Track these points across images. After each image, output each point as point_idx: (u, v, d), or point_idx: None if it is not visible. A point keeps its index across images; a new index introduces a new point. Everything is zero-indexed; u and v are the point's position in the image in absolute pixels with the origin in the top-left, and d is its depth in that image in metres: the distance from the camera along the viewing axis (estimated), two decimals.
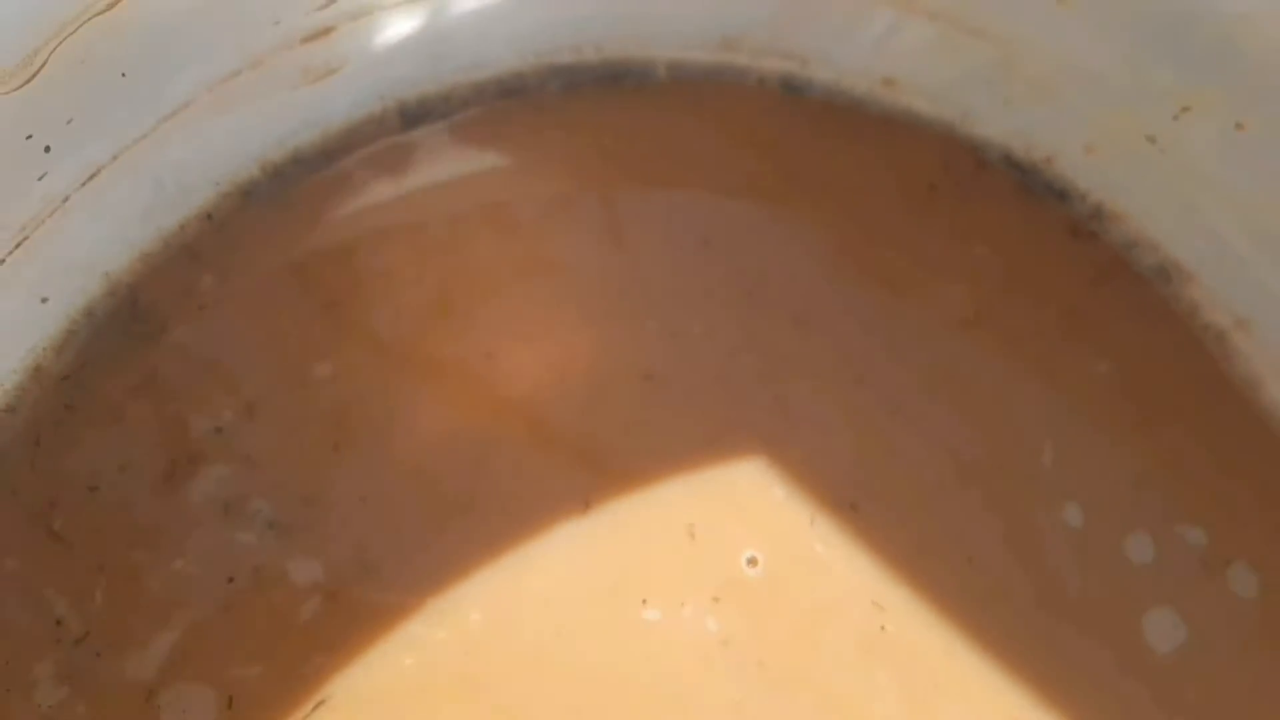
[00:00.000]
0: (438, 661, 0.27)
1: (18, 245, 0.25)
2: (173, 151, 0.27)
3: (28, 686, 0.26)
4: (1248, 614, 0.29)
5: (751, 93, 0.33)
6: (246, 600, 0.27)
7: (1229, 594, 0.29)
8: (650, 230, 0.31)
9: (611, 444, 0.30)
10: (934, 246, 0.32)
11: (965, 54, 0.32)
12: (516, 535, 0.28)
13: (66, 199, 0.25)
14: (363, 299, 0.30)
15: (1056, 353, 0.31)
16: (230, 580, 0.27)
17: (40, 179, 0.24)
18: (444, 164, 0.31)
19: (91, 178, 0.25)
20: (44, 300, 0.27)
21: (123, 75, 0.23)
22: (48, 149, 0.23)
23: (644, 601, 0.28)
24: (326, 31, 0.28)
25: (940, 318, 0.31)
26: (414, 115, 0.31)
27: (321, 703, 0.27)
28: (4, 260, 0.25)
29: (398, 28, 0.30)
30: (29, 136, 0.23)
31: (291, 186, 0.30)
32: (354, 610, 0.27)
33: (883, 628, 0.28)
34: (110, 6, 0.23)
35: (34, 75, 0.21)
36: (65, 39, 0.21)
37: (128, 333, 0.29)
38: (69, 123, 0.23)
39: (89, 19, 0.22)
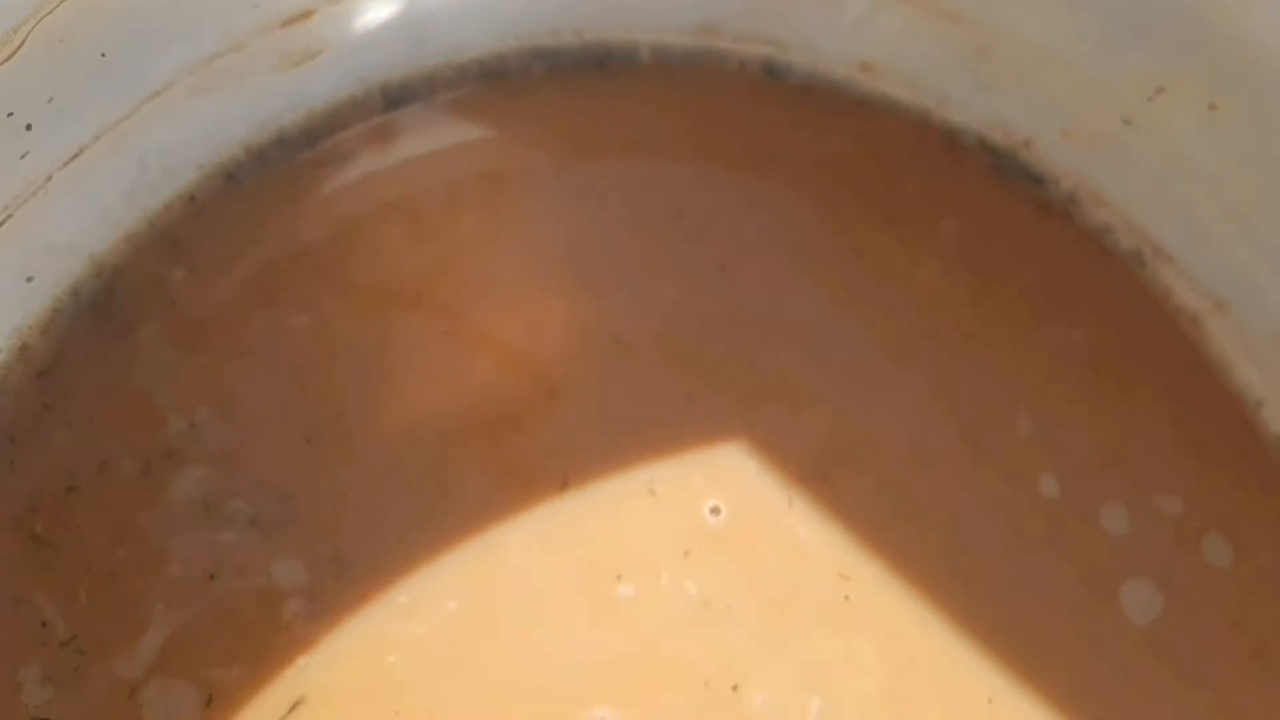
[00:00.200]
0: (418, 656, 0.27)
1: (1, 224, 0.25)
2: (155, 133, 0.27)
3: (14, 687, 0.26)
4: (1223, 583, 0.29)
5: (732, 76, 0.33)
6: (229, 599, 0.27)
7: (1204, 564, 0.29)
8: (627, 207, 0.32)
9: (583, 414, 0.30)
10: (909, 226, 0.32)
11: (941, 39, 0.32)
12: (492, 519, 0.28)
13: (49, 178, 0.25)
14: (340, 283, 0.30)
15: (1032, 329, 0.31)
16: (212, 578, 0.28)
17: (22, 157, 0.24)
18: (426, 146, 0.32)
19: (74, 158, 0.26)
20: (29, 280, 0.27)
21: (102, 55, 0.24)
22: (29, 127, 0.24)
23: (619, 577, 0.29)
24: (306, 15, 0.28)
25: (914, 293, 0.32)
26: (396, 98, 0.31)
27: (300, 702, 0.27)
28: None
29: (377, 11, 0.30)
30: (10, 114, 0.23)
31: (275, 169, 0.31)
32: (334, 608, 0.28)
33: (847, 597, 0.29)
34: None
35: (14, 53, 0.21)
36: (44, 17, 0.22)
37: (102, 330, 0.29)
38: (50, 101, 0.24)
39: None
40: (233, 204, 0.30)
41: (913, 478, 0.30)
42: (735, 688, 0.28)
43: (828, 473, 0.30)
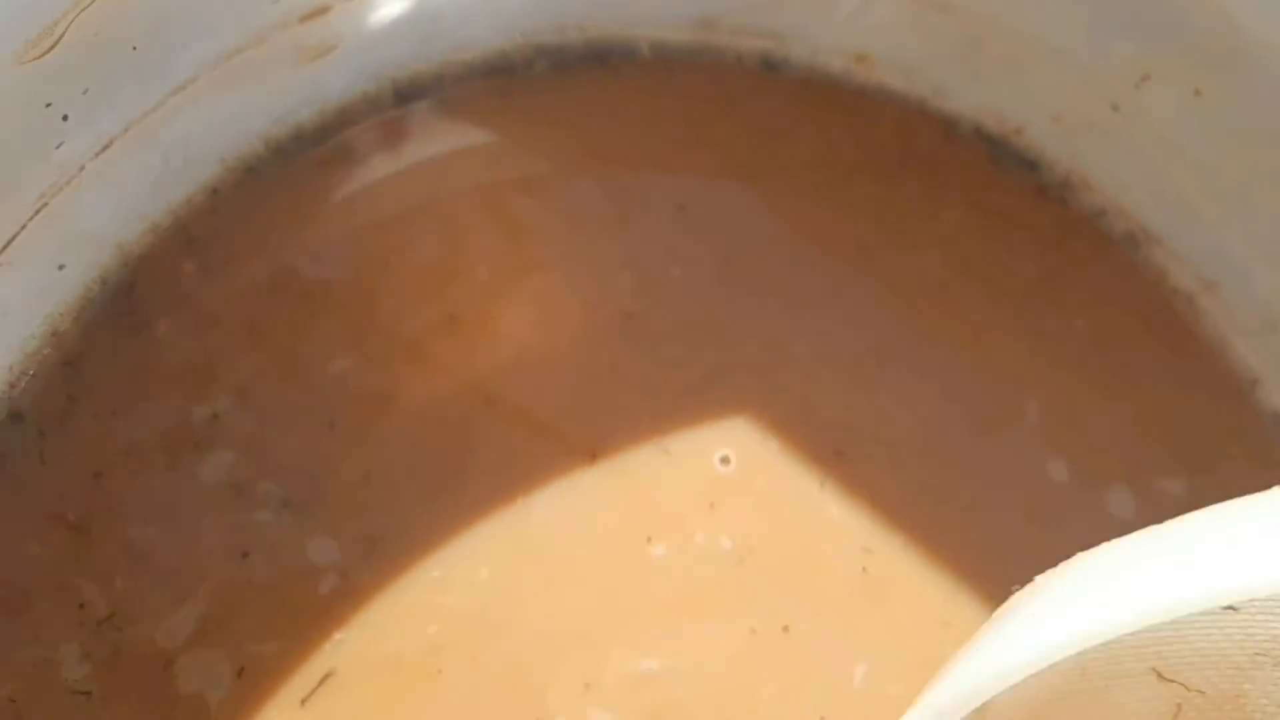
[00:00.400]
0: (455, 624, 0.28)
1: (37, 212, 0.26)
2: (180, 125, 0.28)
3: (55, 664, 0.27)
4: None
5: (731, 70, 0.34)
6: (263, 575, 0.28)
7: None
8: (630, 201, 0.32)
9: (596, 385, 0.31)
10: (908, 215, 0.33)
11: (935, 31, 0.33)
12: (515, 490, 0.29)
13: (82, 168, 0.26)
14: (354, 275, 0.31)
15: (1033, 313, 0.32)
16: (245, 556, 0.28)
17: (58, 147, 0.25)
18: (435, 141, 0.32)
19: (104, 148, 0.26)
20: (61, 268, 0.28)
21: (134, 49, 0.24)
22: (65, 117, 0.24)
23: (649, 539, 0.29)
24: (323, 10, 0.29)
25: (917, 281, 0.32)
26: (406, 93, 0.32)
27: (330, 674, 0.27)
28: (25, 226, 0.26)
29: (389, 7, 0.31)
30: (49, 104, 0.24)
31: (293, 163, 0.31)
32: (367, 584, 0.28)
33: (864, 570, 0.29)
34: None
35: (54, 45, 0.22)
36: (82, 11, 0.23)
37: (123, 323, 0.29)
38: (85, 93, 0.24)
39: None
40: (251, 198, 0.31)
41: (926, 459, 0.30)
42: (786, 628, 0.29)
43: (842, 449, 0.30)
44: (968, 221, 0.33)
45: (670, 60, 0.33)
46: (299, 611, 0.28)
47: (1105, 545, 0.19)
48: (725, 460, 0.30)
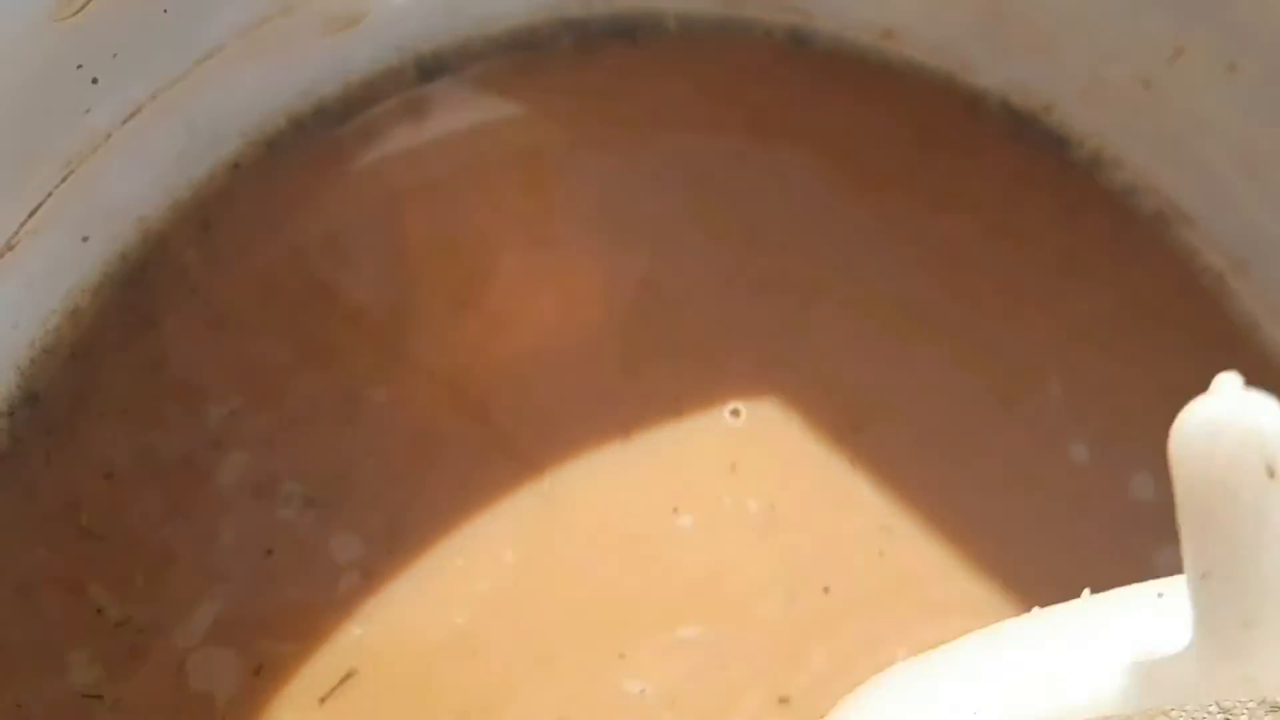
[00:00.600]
0: (483, 610, 0.28)
1: (64, 179, 0.25)
2: (206, 95, 0.28)
3: (64, 669, 0.27)
4: None
5: (758, 44, 0.33)
6: (285, 573, 0.28)
7: None
8: (655, 175, 0.32)
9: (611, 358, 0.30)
10: (933, 191, 0.32)
11: (963, 5, 0.32)
12: (541, 470, 0.29)
13: (109, 136, 0.26)
14: (373, 258, 0.30)
15: (1059, 291, 0.32)
16: (269, 553, 0.28)
17: (87, 112, 0.25)
18: (459, 116, 0.32)
19: (132, 115, 0.26)
20: (85, 239, 0.27)
21: (164, 11, 0.24)
22: (95, 80, 0.24)
23: (675, 509, 0.29)
24: None
25: (942, 257, 0.32)
26: (430, 68, 0.32)
27: (351, 674, 0.27)
28: (52, 193, 0.25)
29: None
30: (80, 66, 0.23)
31: (315, 139, 0.31)
32: (389, 579, 0.28)
33: (880, 553, 0.29)
34: None
35: (84, 5, 0.22)
36: None
37: (130, 319, 0.29)
38: (114, 57, 0.24)
39: None
40: (270, 176, 0.30)
41: (946, 435, 0.30)
42: (826, 590, 0.28)
43: (861, 424, 0.30)
44: (994, 198, 0.33)
45: (697, 34, 0.33)
46: (322, 609, 0.27)
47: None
48: (735, 413, 0.30)
